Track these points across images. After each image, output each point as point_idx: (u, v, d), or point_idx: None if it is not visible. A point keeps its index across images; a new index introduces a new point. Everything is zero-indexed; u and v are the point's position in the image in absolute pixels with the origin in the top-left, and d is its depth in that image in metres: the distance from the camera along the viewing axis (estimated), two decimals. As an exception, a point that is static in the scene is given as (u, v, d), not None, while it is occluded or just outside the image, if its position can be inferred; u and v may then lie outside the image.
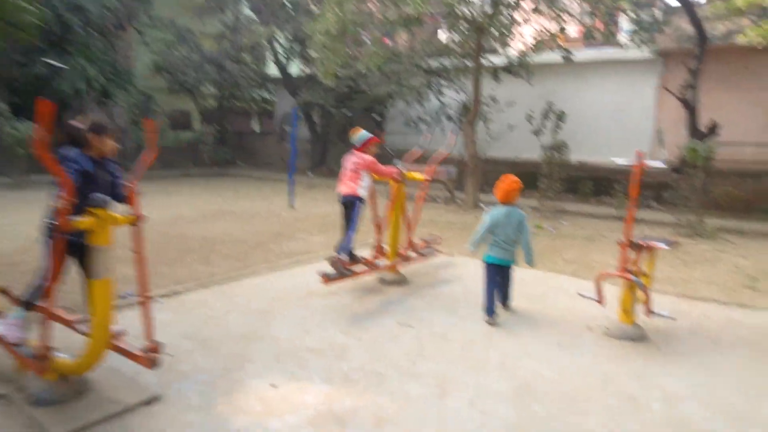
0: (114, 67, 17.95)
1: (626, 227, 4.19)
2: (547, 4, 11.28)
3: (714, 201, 11.84)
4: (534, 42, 11.51)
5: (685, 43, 13.65)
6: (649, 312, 4.22)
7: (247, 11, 21.52)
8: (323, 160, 20.93)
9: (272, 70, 22.75)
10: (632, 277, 4.13)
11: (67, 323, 3.34)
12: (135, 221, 3.05)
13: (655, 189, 13.65)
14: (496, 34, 11.40)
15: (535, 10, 11.49)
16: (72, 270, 3.63)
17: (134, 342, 3.60)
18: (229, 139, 24.74)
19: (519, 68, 13.97)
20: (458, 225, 10.32)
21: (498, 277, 4.94)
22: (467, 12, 11.32)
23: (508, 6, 11.44)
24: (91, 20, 17.35)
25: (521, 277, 5.94)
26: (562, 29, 10.90)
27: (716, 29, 13.37)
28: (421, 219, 9.48)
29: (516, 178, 4.94)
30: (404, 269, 6.12)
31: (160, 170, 18.25)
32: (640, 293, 4.28)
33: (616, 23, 12.71)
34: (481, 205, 12.72)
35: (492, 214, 4.83)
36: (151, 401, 3.16)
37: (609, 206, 12.80)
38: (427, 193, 14.19)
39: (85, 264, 3.18)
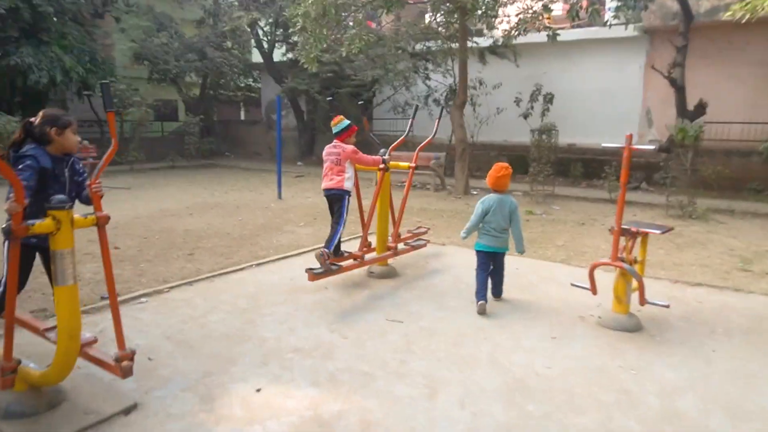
0: (92, 57, 17.50)
1: (617, 214, 4.08)
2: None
3: (703, 180, 11.78)
4: (518, 21, 11.28)
5: (670, 20, 13.52)
6: (644, 301, 4.12)
7: (228, -4, 21.12)
8: (312, 149, 20.68)
9: (256, 56, 22.37)
10: (625, 265, 4.03)
11: (36, 331, 3.17)
12: (98, 222, 2.87)
13: (645, 170, 13.59)
14: (480, 14, 11.18)
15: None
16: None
17: (113, 347, 3.48)
18: (216, 129, 24.38)
19: (505, 49, 13.78)
20: (449, 212, 10.20)
21: (490, 265, 4.88)
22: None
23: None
24: (65, 7, 16.87)
25: (513, 266, 5.83)
26: (547, 7, 10.69)
27: (701, 5, 13.24)
28: (410, 208, 9.36)
29: (506, 165, 4.86)
30: (393, 261, 6.00)
31: (146, 162, 17.98)
32: (633, 281, 4.18)
33: (602, 2, 12.53)
34: (473, 191, 12.61)
35: (484, 202, 4.78)
36: (128, 410, 3.02)
37: (600, 189, 12.74)
38: (416, 181, 14.22)
39: (49, 269, 3.01)
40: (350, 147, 5.13)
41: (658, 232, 4.20)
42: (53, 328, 2.96)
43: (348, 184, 5.15)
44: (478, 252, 4.89)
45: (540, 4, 11.05)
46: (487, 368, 3.55)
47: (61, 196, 2.67)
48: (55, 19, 16.83)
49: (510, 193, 5.00)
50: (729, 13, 8.94)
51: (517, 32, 11.48)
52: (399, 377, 3.41)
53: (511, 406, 3.08)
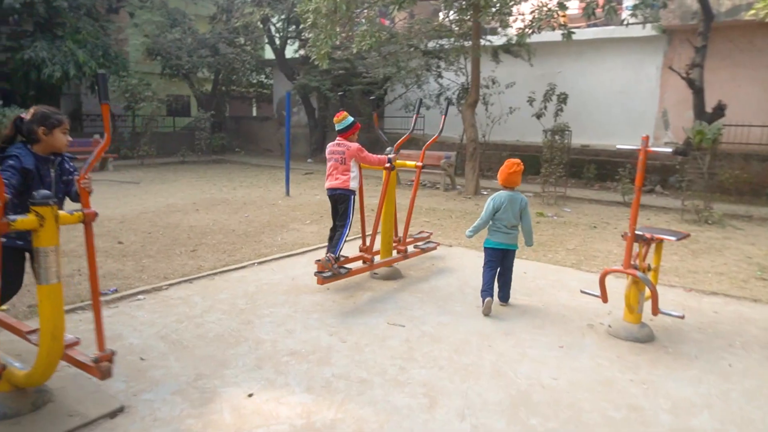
0: (105, 51, 17.54)
1: (631, 219, 3.89)
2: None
3: (720, 185, 11.51)
4: (533, 18, 11.05)
5: (689, 19, 13.22)
6: (656, 310, 3.93)
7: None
8: (322, 147, 20.56)
9: (269, 53, 22.31)
10: (638, 273, 3.85)
11: (20, 334, 3.07)
12: (85, 219, 2.75)
13: (660, 173, 13.32)
14: (494, 11, 10.97)
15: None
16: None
17: (113, 344, 3.37)
18: (227, 125, 24.37)
19: (519, 48, 13.55)
20: (458, 213, 10.03)
21: (499, 264, 4.76)
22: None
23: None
24: (80, 2, 16.92)
25: (521, 269, 5.68)
26: (562, 5, 10.46)
27: (722, 5, 12.93)
28: (418, 208, 9.22)
29: (518, 161, 4.77)
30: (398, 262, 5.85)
31: (157, 157, 17.99)
32: (646, 290, 4.00)
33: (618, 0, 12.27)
34: (484, 192, 12.41)
35: (495, 198, 4.70)
36: (115, 414, 2.91)
37: (613, 192, 12.49)
38: (426, 180, 14.05)
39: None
40: (355, 145, 4.95)
41: (673, 238, 4.01)
42: (36, 330, 2.86)
43: (353, 184, 4.97)
44: (487, 249, 4.79)
45: (555, 1, 10.81)
46: (491, 379, 3.39)
47: (45, 192, 2.56)
48: (71, 14, 16.88)
49: (522, 194, 4.86)
50: (752, 12, 8.68)
51: (531, 30, 11.24)
52: (398, 385, 3.26)
53: (514, 420, 2.93)
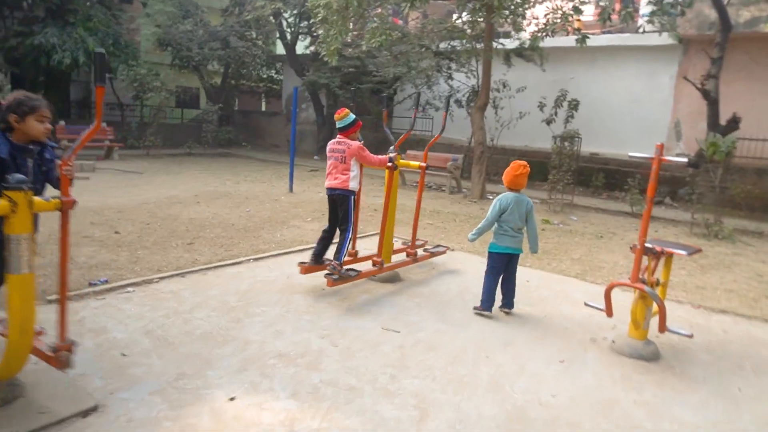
0: (116, 40, 17.47)
1: (641, 231, 3.71)
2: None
3: (731, 199, 11.27)
4: (547, 22, 10.86)
5: (707, 29, 12.98)
6: (664, 328, 3.75)
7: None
8: (329, 143, 20.46)
9: (280, 48, 22.20)
10: (646, 288, 3.67)
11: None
12: (62, 207, 2.60)
13: (670, 184, 13.09)
14: (507, 13, 10.78)
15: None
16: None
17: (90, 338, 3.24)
18: (236, 119, 24.27)
19: (531, 52, 13.35)
20: (462, 216, 9.86)
21: (503, 270, 4.64)
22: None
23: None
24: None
25: (523, 278, 5.51)
26: (577, 9, 10.26)
27: (740, 15, 12.69)
28: (422, 210, 9.03)
29: (525, 163, 4.63)
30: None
31: (163, 148, 17.90)
32: (653, 305, 3.82)
33: (635, 7, 12.06)
34: (489, 196, 12.23)
35: (501, 200, 4.57)
36: (87, 412, 2.76)
37: (621, 201, 12.28)
38: (432, 182, 13.89)
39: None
40: (356, 143, 4.76)
41: (684, 253, 3.83)
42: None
43: (353, 184, 4.79)
44: (492, 254, 4.65)
45: (570, 5, 10.61)
46: (486, 392, 3.22)
47: (19, 176, 2.40)
48: (83, 2, 16.84)
49: (530, 199, 4.72)
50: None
51: (544, 33, 11.05)
52: (388, 395, 3.10)
53: (509, 438, 2.76)
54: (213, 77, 23.64)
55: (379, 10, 13.29)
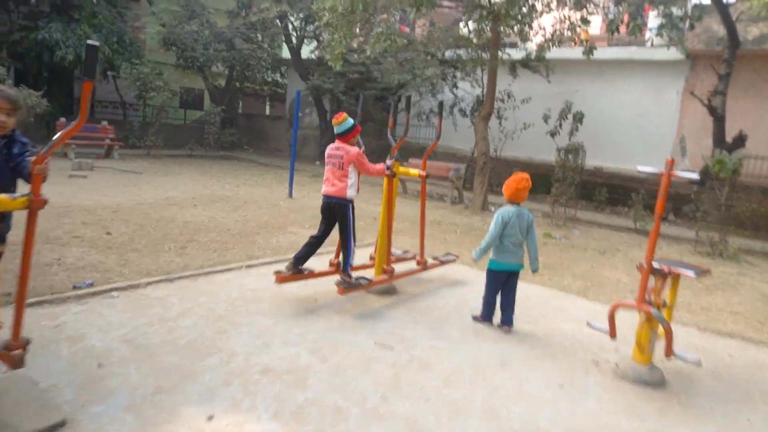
0: (120, 37, 17.39)
1: (648, 250, 3.54)
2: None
3: (736, 218, 11.09)
4: (554, 32, 10.73)
5: (715, 45, 12.86)
6: (670, 353, 3.57)
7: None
8: (331, 149, 20.30)
9: (286, 52, 22.12)
10: (653, 310, 3.49)
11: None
12: (31, 206, 2.43)
13: (674, 201, 12.92)
14: (514, 23, 10.66)
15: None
16: None
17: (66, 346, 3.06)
18: (239, 122, 24.16)
19: (537, 63, 13.22)
20: (462, 227, 9.69)
21: (503, 286, 4.50)
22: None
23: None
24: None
25: (523, 293, 5.31)
26: (585, 20, 10.13)
27: (749, 32, 12.57)
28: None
29: (526, 175, 4.47)
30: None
31: (165, 149, 17.77)
32: (659, 328, 3.64)
33: (643, 19, 11.93)
34: (491, 207, 12.07)
35: (502, 213, 4.42)
36: (54, 428, 2.58)
37: (624, 217, 12.11)
38: (433, 192, 13.72)
39: None
40: (355, 149, 4.59)
41: (692, 274, 3.65)
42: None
43: (351, 192, 4.61)
44: (491, 271, 4.52)
45: (578, 15, 10.49)
46: (481, 418, 3.04)
47: None
48: (93, 0, 16.79)
49: (530, 213, 4.56)
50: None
51: (551, 43, 10.92)
52: (377, 419, 2.92)
53: (504, 470, 2.58)
54: (217, 79, 23.54)
55: (386, 16, 13.18)
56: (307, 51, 20.69)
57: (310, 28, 19.77)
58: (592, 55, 10.50)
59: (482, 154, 12.31)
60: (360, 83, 17.34)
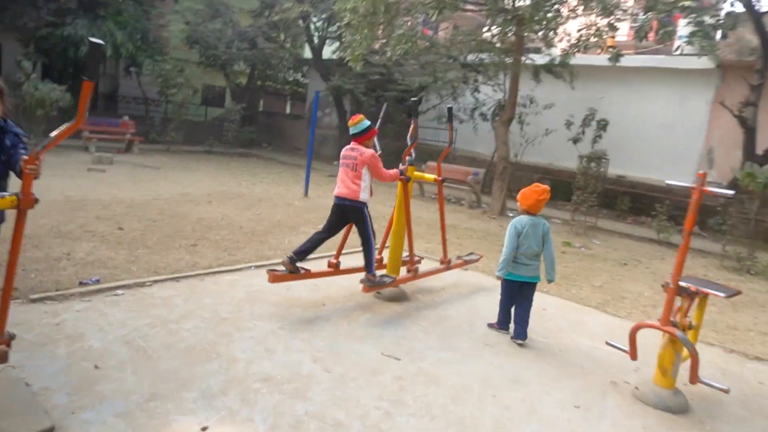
0: (144, 35, 17.53)
1: (676, 268, 3.33)
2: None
3: (765, 233, 10.70)
4: (579, 38, 10.47)
5: (747, 55, 12.45)
6: (695, 379, 3.35)
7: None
8: (351, 150, 20.21)
9: (308, 52, 22.11)
10: (678, 333, 3.27)
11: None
12: (20, 205, 2.33)
13: (700, 213, 12.48)
14: (539, 28, 10.43)
15: (584, 2, 10.39)
16: None
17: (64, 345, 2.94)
18: (259, 120, 24.21)
19: (561, 69, 12.95)
20: (479, 233, 9.49)
21: (517, 296, 4.37)
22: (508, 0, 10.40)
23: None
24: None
25: (540, 305, 5.12)
26: (612, 26, 9.85)
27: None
28: (437, 223, 8.71)
29: (547, 188, 4.31)
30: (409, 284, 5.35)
31: (184, 144, 17.85)
32: (685, 351, 3.42)
33: (674, 28, 11.60)
34: (509, 213, 11.84)
35: (515, 225, 4.28)
36: (43, 434, 2.48)
37: (647, 227, 11.76)
38: (451, 195, 13.53)
39: None
40: (369, 151, 4.45)
41: (722, 295, 3.43)
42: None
43: (364, 195, 4.46)
44: (505, 280, 4.39)
45: (605, 21, 10.22)
46: (490, 439, 2.87)
47: None
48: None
49: (550, 220, 4.38)
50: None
51: (576, 49, 10.65)
52: (378, 436, 2.77)
53: (512, 500, 2.41)
54: (239, 77, 23.63)
55: (409, 19, 13.04)
56: (328, 51, 20.62)
57: (332, 28, 19.70)
58: (619, 61, 10.21)
59: (502, 158, 12.09)
60: (381, 84, 17.21)
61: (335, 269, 4.85)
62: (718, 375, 4.16)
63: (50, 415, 2.60)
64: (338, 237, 4.92)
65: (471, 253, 6.33)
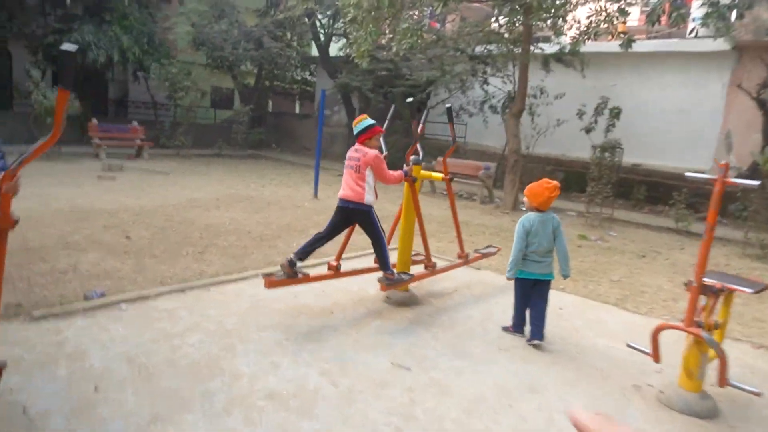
0: (150, 38, 17.54)
1: (699, 265, 3.14)
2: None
3: (788, 218, 10.37)
4: (589, 24, 10.18)
5: (764, 36, 12.07)
6: (724, 382, 3.16)
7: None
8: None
9: (315, 50, 21.99)
10: (704, 334, 3.09)
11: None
12: (-1, 226, 2.22)
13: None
14: (547, 16, 10.18)
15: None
16: None
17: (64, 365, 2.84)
18: (268, 120, 24.16)
19: (571, 57, 12.66)
20: (492, 229, 9.31)
21: (532, 295, 4.22)
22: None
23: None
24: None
25: (556, 304, 4.96)
26: (623, 11, 9.57)
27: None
28: (448, 220, 8.56)
29: (557, 184, 4.15)
30: (416, 286, 5.21)
31: (194, 148, 17.85)
32: (711, 351, 3.23)
33: (687, 8, 11.25)
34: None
35: (524, 222, 4.15)
36: (38, 462, 2.39)
37: (665, 216, 11.47)
38: (463, 191, 13.33)
39: None
40: (373, 152, 4.29)
41: (750, 291, 3.24)
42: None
43: (369, 198, 4.30)
44: (517, 279, 4.25)
45: (615, 6, 9.93)
46: (506, 455, 2.72)
47: None
48: (125, 2, 16.97)
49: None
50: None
51: (587, 37, 10.38)
52: (388, 455, 2.64)
53: None
54: (246, 78, 23.59)
55: (415, 12, 12.83)
56: (335, 48, 20.48)
57: (338, 25, 19.54)
58: (631, 48, 9.92)
59: (513, 152, 11.86)
60: (388, 80, 17.01)
61: (336, 272, 4.69)
62: (747, 374, 3.96)
63: (46, 441, 2.50)
64: (339, 238, 4.77)
65: (489, 246, 6.19)
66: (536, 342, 4.14)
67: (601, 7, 10.28)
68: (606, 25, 10.46)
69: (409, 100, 5.82)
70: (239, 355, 3.56)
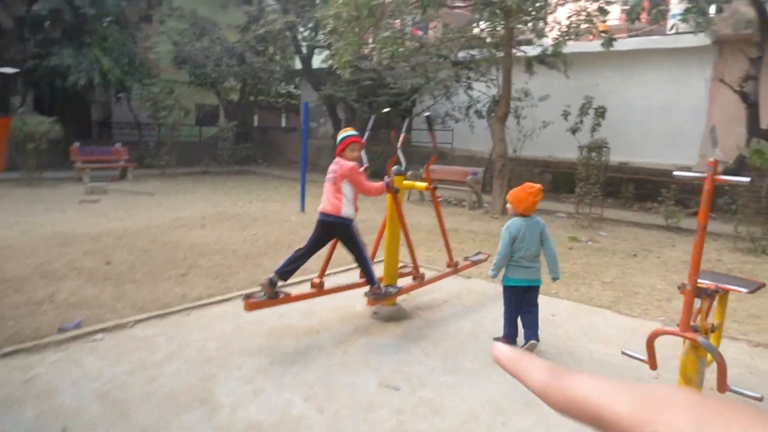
0: (131, 58, 17.40)
1: (692, 267, 3.03)
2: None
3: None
4: (570, 24, 10.17)
5: (743, 28, 12.12)
6: (724, 387, 3.04)
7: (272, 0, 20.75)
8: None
9: (298, 63, 21.94)
10: (700, 339, 2.97)
11: None
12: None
13: (709, 195, 12.17)
14: (527, 18, 10.15)
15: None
16: None
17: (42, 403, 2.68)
18: (254, 135, 24.03)
19: (554, 59, 12.66)
20: (482, 234, 9.20)
21: (521, 302, 4.09)
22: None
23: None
24: (109, 10, 16.85)
25: (548, 311, 4.84)
26: (603, 10, 9.56)
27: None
28: (436, 228, 8.44)
29: (540, 187, 4.06)
30: (404, 299, 5.08)
31: (179, 167, 17.68)
32: (709, 356, 3.12)
33: (666, 5, 11.28)
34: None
35: (510, 227, 4.05)
36: None
37: (654, 214, 11.42)
38: (451, 197, 13.26)
39: None
40: (349, 164, 4.15)
41: (745, 290, 3.13)
42: None
43: (347, 211, 4.15)
44: (506, 287, 4.14)
45: (595, 5, 9.92)
46: (500, 479, 2.58)
47: None
48: (98, 22, 16.81)
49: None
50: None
51: (568, 37, 10.36)
52: (375, 486, 2.49)
53: None
54: (230, 94, 23.49)
55: (396, 21, 12.79)
56: (318, 61, 20.44)
57: (320, 37, 19.51)
58: (612, 46, 9.91)
59: (500, 156, 11.80)
60: (373, 90, 16.97)
61: (319, 290, 4.50)
62: (746, 374, 3.86)
63: (7, 493, 2.34)
64: (322, 253, 4.62)
65: (478, 253, 6.07)
66: (533, 343, 4.01)
67: (581, 7, 10.27)
68: (587, 25, 10.45)
69: (386, 110, 5.71)
70: (220, 382, 3.40)
